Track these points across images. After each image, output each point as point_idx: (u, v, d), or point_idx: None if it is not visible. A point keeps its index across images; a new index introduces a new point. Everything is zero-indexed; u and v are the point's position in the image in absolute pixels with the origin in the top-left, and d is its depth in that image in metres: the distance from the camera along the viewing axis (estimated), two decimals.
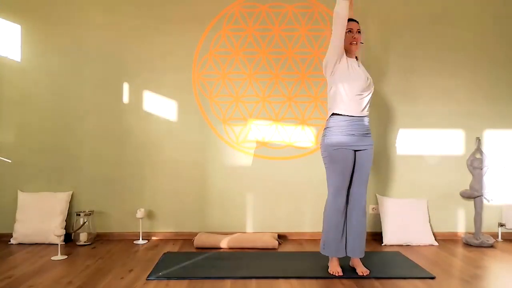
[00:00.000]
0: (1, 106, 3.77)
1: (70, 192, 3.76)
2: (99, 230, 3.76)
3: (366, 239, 2.92)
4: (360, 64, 2.88)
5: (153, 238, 3.80)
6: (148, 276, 2.77)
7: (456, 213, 3.87)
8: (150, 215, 3.81)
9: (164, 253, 3.30)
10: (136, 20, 3.79)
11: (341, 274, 2.79)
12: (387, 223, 3.66)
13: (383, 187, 3.86)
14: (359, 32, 2.82)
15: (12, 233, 3.62)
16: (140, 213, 3.65)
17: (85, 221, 3.63)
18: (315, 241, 3.62)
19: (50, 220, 3.58)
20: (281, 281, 2.71)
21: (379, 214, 3.75)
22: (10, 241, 3.61)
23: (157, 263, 3.05)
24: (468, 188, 3.81)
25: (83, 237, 3.59)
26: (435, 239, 3.66)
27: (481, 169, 3.78)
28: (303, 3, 3.83)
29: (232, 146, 3.83)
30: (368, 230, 3.74)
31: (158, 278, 2.74)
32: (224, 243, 3.51)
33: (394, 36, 3.84)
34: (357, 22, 2.85)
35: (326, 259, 2.95)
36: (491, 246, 3.57)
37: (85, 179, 3.79)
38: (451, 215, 3.86)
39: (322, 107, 3.81)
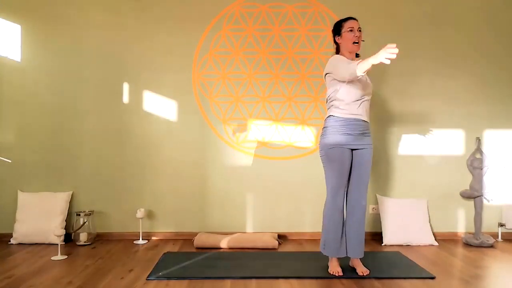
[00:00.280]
0: (1, 106, 3.77)
1: (70, 192, 3.76)
2: (99, 230, 3.76)
3: (366, 239, 2.92)
4: None
5: (153, 238, 3.80)
6: (148, 276, 2.77)
7: (456, 213, 3.87)
8: (150, 215, 3.81)
9: (164, 253, 3.30)
10: (136, 20, 3.79)
11: (341, 274, 2.79)
12: (387, 223, 3.67)
13: (383, 187, 3.86)
14: (360, 30, 2.82)
15: (12, 233, 3.62)
16: (140, 213, 3.65)
17: (85, 221, 3.63)
18: (315, 241, 3.62)
19: (50, 220, 3.58)
20: (281, 281, 2.71)
21: (379, 214, 3.75)
22: (10, 241, 3.61)
23: (157, 263, 3.05)
24: (468, 188, 3.81)
25: (83, 237, 3.59)
26: (435, 239, 3.66)
27: (481, 169, 3.78)
28: (303, 3, 3.83)
29: (232, 146, 3.83)
30: (368, 230, 3.75)
31: (158, 278, 2.74)
32: (224, 243, 3.51)
33: (394, 36, 3.84)
34: (357, 20, 2.84)
35: (326, 259, 2.95)
36: (491, 246, 3.57)
37: (85, 179, 3.79)
38: (451, 215, 3.86)
39: (322, 107, 3.81)
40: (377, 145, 3.73)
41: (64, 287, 2.60)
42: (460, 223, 3.87)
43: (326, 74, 2.83)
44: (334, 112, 2.79)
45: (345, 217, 2.86)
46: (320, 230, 2.94)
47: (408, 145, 3.86)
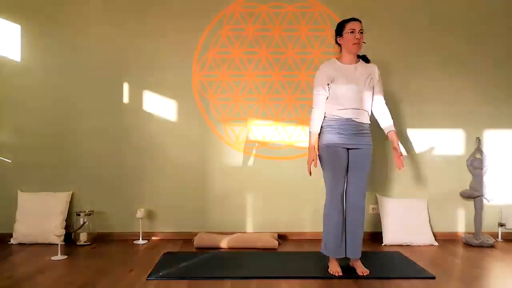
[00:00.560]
0: (1, 106, 3.76)
1: (70, 192, 3.76)
2: (99, 230, 3.76)
3: (366, 239, 2.92)
4: (361, 65, 2.87)
5: (153, 238, 3.80)
6: (148, 276, 2.77)
7: (456, 213, 3.87)
8: (150, 215, 3.81)
9: (164, 253, 3.30)
10: (136, 20, 3.79)
11: (340, 274, 2.79)
12: (387, 223, 3.66)
13: (383, 187, 3.86)
14: (362, 32, 2.82)
15: (12, 233, 3.62)
16: (140, 213, 3.65)
17: (85, 221, 3.63)
18: (315, 241, 3.62)
19: (50, 220, 3.58)
20: (281, 281, 2.71)
21: (379, 214, 3.75)
22: (10, 241, 3.61)
23: (157, 263, 3.05)
24: (468, 188, 3.81)
25: (83, 237, 3.59)
26: (435, 239, 3.66)
27: (481, 169, 3.78)
28: (303, 3, 3.83)
29: (232, 146, 3.83)
30: (368, 230, 3.75)
31: (158, 278, 2.74)
32: (224, 243, 3.51)
33: (394, 36, 3.84)
34: (360, 21, 2.84)
35: (326, 259, 2.95)
36: (491, 246, 3.57)
37: (85, 179, 3.79)
38: (451, 215, 3.86)
39: None
40: (377, 145, 3.72)
41: (64, 287, 2.60)
42: (460, 223, 3.87)
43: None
44: (328, 112, 2.83)
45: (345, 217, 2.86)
46: (321, 230, 2.95)
47: (408, 145, 3.86)
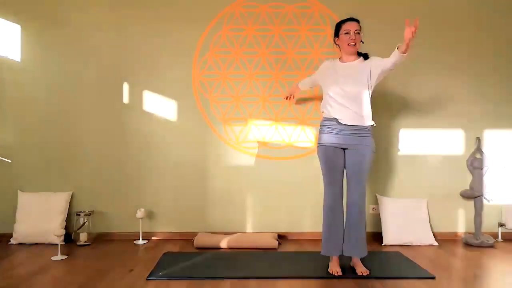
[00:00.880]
0: (1, 106, 3.76)
1: (70, 192, 3.76)
2: (99, 230, 3.76)
3: (366, 239, 2.92)
4: (361, 62, 2.87)
5: (153, 238, 3.80)
6: (148, 276, 2.77)
7: (456, 213, 3.87)
8: (150, 215, 3.81)
9: (164, 253, 3.30)
10: (136, 20, 3.79)
11: (340, 274, 2.79)
12: (387, 223, 3.66)
13: (383, 187, 3.86)
14: (358, 32, 2.82)
15: (12, 233, 3.62)
16: (140, 213, 3.65)
17: (85, 221, 3.63)
18: (315, 241, 3.62)
19: (50, 220, 3.58)
20: (281, 281, 2.71)
21: (379, 214, 3.75)
22: (10, 241, 3.61)
23: (157, 263, 3.05)
24: (468, 188, 3.81)
25: (83, 237, 3.59)
26: (435, 239, 3.66)
27: (481, 169, 3.78)
28: (303, 3, 3.83)
29: (232, 146, 3.83)
30: (368, 230, 3.74)
31: (158, 278, 2.74)
32: (224, 243, 3.51)
33: (394, 36, 3.83)
34: (357, 21, 2.84)
35: (326, 259, 2.95)
36: (491, 246, 3.57)
37: (85, 179, 3.79)
38: (451, 215, 3.86)
39: None
40: (377, 145, 3.71)
41: (64, 287, 2.60)
42: (460, 223, 3.87)
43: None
44: (323, 111, 2.92)
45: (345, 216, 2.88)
46: (320, 230, 2.96)
47: (408, 145, 3.86)
